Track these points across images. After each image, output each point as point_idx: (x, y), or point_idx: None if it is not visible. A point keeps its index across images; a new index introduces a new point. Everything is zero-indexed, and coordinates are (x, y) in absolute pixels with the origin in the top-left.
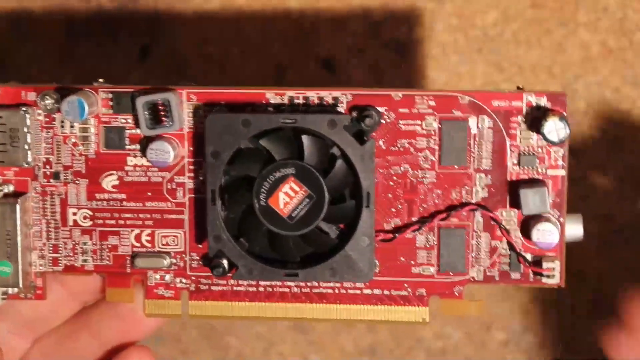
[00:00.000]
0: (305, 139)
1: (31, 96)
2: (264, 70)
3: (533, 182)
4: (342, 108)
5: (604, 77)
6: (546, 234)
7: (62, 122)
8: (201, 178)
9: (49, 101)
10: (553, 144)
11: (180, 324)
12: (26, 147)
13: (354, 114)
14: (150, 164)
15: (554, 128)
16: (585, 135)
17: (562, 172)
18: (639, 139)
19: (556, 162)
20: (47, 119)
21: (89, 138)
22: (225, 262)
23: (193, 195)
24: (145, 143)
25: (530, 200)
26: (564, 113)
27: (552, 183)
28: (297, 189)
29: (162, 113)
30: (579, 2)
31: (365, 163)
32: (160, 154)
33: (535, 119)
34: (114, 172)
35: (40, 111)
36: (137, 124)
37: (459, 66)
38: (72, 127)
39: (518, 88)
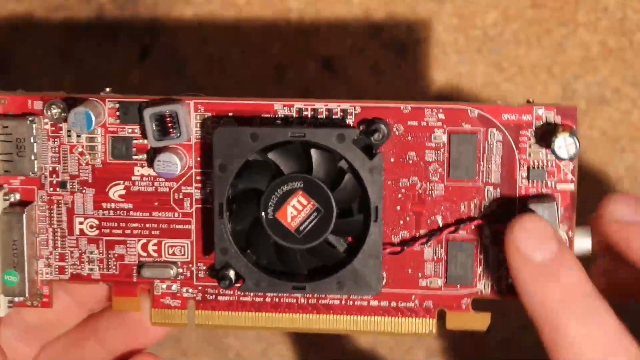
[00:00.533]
0: (313, 152)
1: (38, 105)
2: (264, 71)
3: (542, 197)
4: (350, 120)
5: (604, 77)
6: None
7: (69, 131)
8: (209, 189)
9: (55, 111)
10: (563, 159)
11: None
12: (32, 157)
13: (362, 127)
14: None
15: (564, 144)
16: (585, 135)
17: (571, 187)
18: (639, 139)
19: (566, 177)
20: (54, 129)
21: (95, 148)
22: (232, 274)
23: (200, 206)
24: (152, 153)
25: (540, 215)
26: (574, 127)
27: (561, 197)
28: (305, 202)
29: (170, 124)
30: (579, 2)
31: (374, 177)
32: (167, 165)
33: (545, 133)
34: (121, 181)
35: (46, 120)
36: (144, 135)
37: (459, 66)
38: (78, 136)
39: (528, 102)
